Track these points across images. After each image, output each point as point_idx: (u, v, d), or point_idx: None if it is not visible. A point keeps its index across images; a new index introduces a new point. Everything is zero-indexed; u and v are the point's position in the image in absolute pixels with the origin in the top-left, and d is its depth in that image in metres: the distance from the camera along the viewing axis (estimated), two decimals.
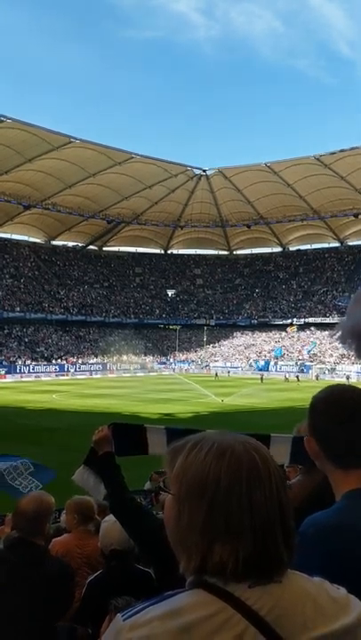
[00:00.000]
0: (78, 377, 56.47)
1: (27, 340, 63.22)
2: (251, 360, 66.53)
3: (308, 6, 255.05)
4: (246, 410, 29.16)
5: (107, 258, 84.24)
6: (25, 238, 77.20)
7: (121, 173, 66.33)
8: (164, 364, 68.75)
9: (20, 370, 54.98)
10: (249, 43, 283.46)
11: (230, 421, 23.18)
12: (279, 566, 0.85)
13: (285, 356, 65.41)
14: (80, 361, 62.05)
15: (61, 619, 2.61)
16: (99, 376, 58.99)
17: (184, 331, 73.64)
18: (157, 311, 78.57)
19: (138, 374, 61.18)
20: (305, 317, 71.06)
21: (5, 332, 62.60)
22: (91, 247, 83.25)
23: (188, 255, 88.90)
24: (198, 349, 72.23)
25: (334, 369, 57.64)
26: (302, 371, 58.88)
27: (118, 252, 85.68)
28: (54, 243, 79.83)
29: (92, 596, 2.85)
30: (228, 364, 65.59)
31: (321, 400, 1.37)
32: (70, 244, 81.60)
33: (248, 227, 79.33)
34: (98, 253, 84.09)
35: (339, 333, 1.65)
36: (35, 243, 78.12)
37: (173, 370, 64.86)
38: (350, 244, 79.28)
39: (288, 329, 70.41)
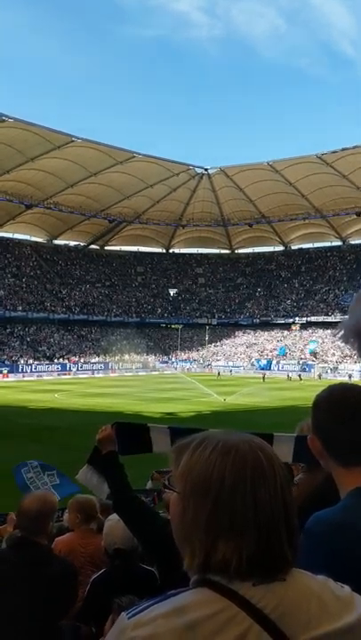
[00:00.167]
0: (80, 376, 56.54)
1: (29, 339, 63.30)
2: (253, 359, 66.52)
3: (311, 4, 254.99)
4: (248, 409, 29.10)
5: (108, 257, 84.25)
6: (27, 238, 77.29)
7: (122, 172, 66.31)
8: (166, 363, 68.80)
9: (23, 369, 55.06)
10: (251, 41, 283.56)
11: (232, 420, 23.13)
12: (283, 564, 0.85)
13: (288, 354, 65.40)
14: (82, 360, 62.13)
15: (65, 618, 2.62)
16: (101, 375, 59.03)
17: (186, 330, 73.63)
18: (159, 310, 78.58)
19: (140, 373, 61.20)
20: (307, 316, 71.00)
21: (8, 331, 62.70)
22: (92, 246, 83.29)
23: (190, 254, 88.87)
24: (200, 348, 72.24)
25: (337, 368, 57.60)
26: (304, 370, 58.85)
27: (120, 251, 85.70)
28: (56, 242, 79.90)
29: (95, 594, 2.85)
30: (230, 363, 65.57)
31: (324, 399, 1.37)
32: (72, 243, 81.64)
33: (250, 225, 79.25)
34: (100, 252, 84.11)
35: (342, 332, 1.65)
36: (37, 242, 78.18)
37: (175, 369, 64.87)
38: (352, 242, 79.15)
39: (293, 327, 70.40)
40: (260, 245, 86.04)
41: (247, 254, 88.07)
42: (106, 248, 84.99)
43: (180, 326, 72.09)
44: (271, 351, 67.52)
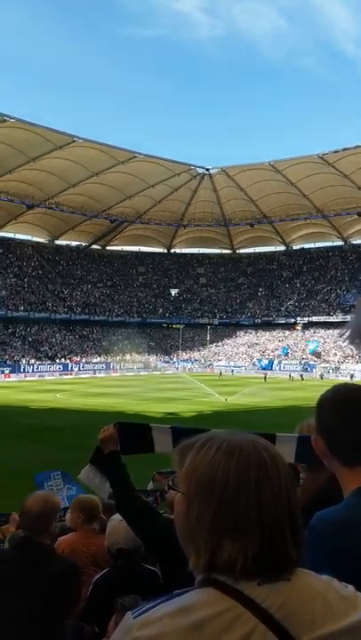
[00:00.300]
0: (82, 376, 56.59)
1: (30, 339, 63.36)
2: (254, 359, 66.49)
3: (312, 4, 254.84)
4: (250, 409, 29.09)
5: (110, 257, 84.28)
6: (28, 238, 77.34)
7: (124, 172, 66.31)
8: (168, 362, 68.80)
9: (24, 369, 55.12)
10: (252, 41, 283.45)
11: (234, 420, 23.10)
12: (288, 564, 0.86)
13: (289, 354, 65.35)
14: (83, 360, 62.19)
15: (68, 617, 2.62)
16: (102, 375, 59.08)
17: (187, 330, 73.60)
18: (161, 310, 78.58)
19: (141, 373, 61.24)
20: (309, 316, 70.94)
21: (9, 331, 62.76)
22: (94, 246, 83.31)
23: (192, 254, 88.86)
24: (202, 348, 72.23)
25: (338, 368, 57.56)
26: (306, 370, 58.81)
27: (121, 251, 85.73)
28: (58, 242, 79.93)
29: (98, 594, 2.85)
30: (232, 363, 65.54)
31: (328, 399, 1.38)
32: (74, 243, 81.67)
33: (251, 225, 79.22)
34: (101, 253, 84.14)
35: (347, 333, 1.65)
36: (38, 242, 78.25)
37: (177, 369, 64.88)
38: (354, 242, 79.07)
39: (296, 327, 70.35)
40: (262, 245, 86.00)
41: (249, 254, 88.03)
42: (107, 248, 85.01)
43: (182, 326, 72.05)
44: (273, 351, 67.48)
